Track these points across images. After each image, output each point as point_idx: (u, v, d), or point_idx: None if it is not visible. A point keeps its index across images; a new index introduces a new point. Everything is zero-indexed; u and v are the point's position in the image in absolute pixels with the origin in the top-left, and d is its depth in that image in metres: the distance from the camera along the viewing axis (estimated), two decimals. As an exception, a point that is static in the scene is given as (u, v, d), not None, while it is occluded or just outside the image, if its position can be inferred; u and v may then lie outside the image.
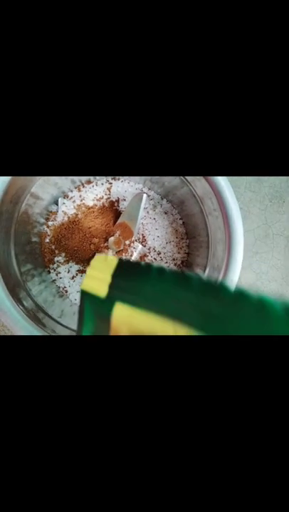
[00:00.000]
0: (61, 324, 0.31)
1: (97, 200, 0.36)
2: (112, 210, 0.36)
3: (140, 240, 0.36)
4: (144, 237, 0.36)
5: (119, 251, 0.33)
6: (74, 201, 0.36)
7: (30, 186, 0.32)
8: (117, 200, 0.36)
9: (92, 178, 0.37)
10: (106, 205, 0.36)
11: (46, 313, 0.30)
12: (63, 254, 0.35)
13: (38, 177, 0.32)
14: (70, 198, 0.36)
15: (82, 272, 0.35)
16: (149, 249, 0.36)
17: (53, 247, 0.35)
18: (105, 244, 0.34)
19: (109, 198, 0.36)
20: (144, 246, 0.36)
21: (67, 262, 0.35)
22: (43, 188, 0.34)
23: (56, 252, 0.35)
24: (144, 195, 0.33)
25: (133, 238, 0.34)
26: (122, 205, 0.36)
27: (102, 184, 0.37)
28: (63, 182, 0.35)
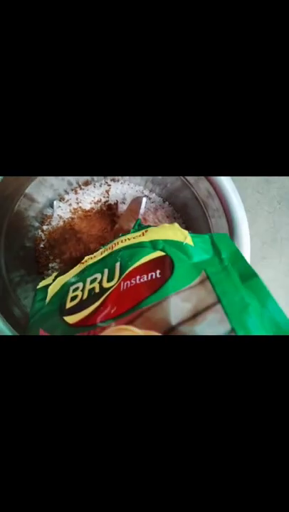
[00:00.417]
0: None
1: (95, 203, 0.34)
2: (111, 213, 0.34)
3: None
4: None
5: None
6: (70, 204, 0.34)
7: (23, 188, 0.31)
8: (116, 203, 0.34)
9: (89, 179, 0.35)
10: (104, 208, 0.34)
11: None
12: (58, 261, 0.33)
13: (32, 178, 0.31)
14: (66, 200, 0.34)
15: (78, 279, 0.33)
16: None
17: (48, 252, 0.33)
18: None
19: (107, 201, 0.34)
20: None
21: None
22: (39, 189, 0.32)
23: (51, 258, 0.33)
24: (144, 199, 0.31)
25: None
26: (121, 209, 0.34)
27: (101, 186, 0.35)
28: (59, 184, 0.34)
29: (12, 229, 0.30)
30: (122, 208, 0.34)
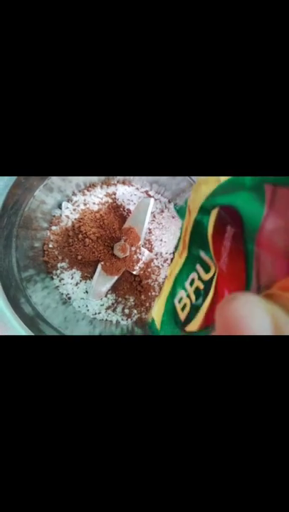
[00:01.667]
0: (60, 332, 0.30)
1: (102, 204, 0.35)
2: (118, 214, 0.34)
3: (147, 246, 0.35)
4: (150, 242, 0.35)
5: (124, 257, 0.32)
6: (78, 205, 0.35)
7: (33, 190, 0.31)
8: (123, 205, 0.35)
9: (96, 181, 0.36)
10: (111, 209, 0.34)
11: (45, 321, 0.29)
12: (67, 260, 0.33)
13: (40, 181, 0.31)
14: (74, 202, 0.35)
15: (86, 278, 0.34)
16: (156, 254, 0.35)
17: (56, 252, 0.33)
18: (110, 252, 0.32)
19: (114, 202, 0.35)
20: (151, 252, 0.34)
21: (71, 268, 0.34)
22: (47, 192, 0.33)
23: (59, 257, 0.33)
24: (152, 200, 0.31)
25: (139, 244, 0.33)
26: (128, 210, 0.35)
27: (108, 187, 0.36)
28: (67, 185, 0.34)
29: (22, 230, 0.31)
30: (129, 208, 0.35)
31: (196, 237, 0.16)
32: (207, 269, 0.15)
